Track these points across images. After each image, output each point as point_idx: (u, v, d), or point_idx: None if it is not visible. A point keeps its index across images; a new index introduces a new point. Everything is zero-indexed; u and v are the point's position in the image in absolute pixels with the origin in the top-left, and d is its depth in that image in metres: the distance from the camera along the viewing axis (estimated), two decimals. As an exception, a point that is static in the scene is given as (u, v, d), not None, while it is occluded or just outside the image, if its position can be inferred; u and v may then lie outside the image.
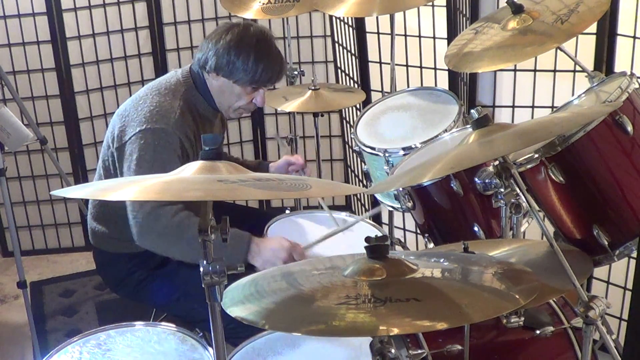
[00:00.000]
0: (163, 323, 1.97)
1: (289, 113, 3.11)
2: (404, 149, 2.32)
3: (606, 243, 1.71)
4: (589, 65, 2.41)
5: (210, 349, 1.78)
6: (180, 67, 2.37)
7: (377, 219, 3.45)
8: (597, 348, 1.91)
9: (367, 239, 1.32)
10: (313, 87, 2.84)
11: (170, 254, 2.12)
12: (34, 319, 2.95)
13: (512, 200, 1.58)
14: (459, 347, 1.72)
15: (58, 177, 3.49)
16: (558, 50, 2.15)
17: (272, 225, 2.33)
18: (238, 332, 1.78)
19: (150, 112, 2.15)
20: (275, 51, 2.24)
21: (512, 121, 2.78)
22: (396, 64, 2.83)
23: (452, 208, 2.04)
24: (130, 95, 2.30)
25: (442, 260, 1.44)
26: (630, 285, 2.51)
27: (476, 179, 1.87)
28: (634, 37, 2.37)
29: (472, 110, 1.53)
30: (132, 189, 1.34)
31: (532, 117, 2.72)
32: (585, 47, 2.46)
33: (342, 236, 2.29)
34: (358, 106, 3.23)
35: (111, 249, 2.34)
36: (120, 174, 2.17)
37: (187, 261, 2.09)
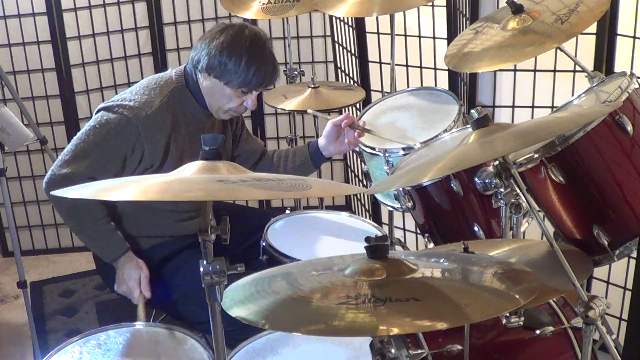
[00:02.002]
0: (163, 323, 1.96)
1: (289, 113, 3.11)
2: (404, 149, 2.31)
3: (606, 243, 1.70)
4: (589, 65, 2.41)
5: (210, 349, 1.78)
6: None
7: (377, 219, 3.45)
8: (597, 348, 1.91)
9: (367, 239, 1.32)
10: (313, 86, 2.84)
11: (62, 216, 2.26)
12: (34, 319, 2.95)
13: (512, 200, 1.57)
14: (459, 347, 1.72)
15: (58, 177, 3.48)
16: (558, 50, 2.15)
17: (272, 225, 2.33)
18: (236, 334, 1.78)
19: (128, 99, 2.18)
20: (269, 54, 2.21)
21: (512, 121, 2.78)
22: (396, 64, 2.83)
23: (452, 208, 2.03)
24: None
25: (442, 260, 1.44)
26: (630, 285, 2.51)
27: (476, 179, 1.87)
28: (634, 37, 2.37)
29: (472, 110, 1.53)
30: (132, 189, 1.33)
31: (532, 117, 2.72)
32: (585, 47, 2.46)
33: (342, 236, 2.29)
34: (358, 106, 3.23)
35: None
36: None
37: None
